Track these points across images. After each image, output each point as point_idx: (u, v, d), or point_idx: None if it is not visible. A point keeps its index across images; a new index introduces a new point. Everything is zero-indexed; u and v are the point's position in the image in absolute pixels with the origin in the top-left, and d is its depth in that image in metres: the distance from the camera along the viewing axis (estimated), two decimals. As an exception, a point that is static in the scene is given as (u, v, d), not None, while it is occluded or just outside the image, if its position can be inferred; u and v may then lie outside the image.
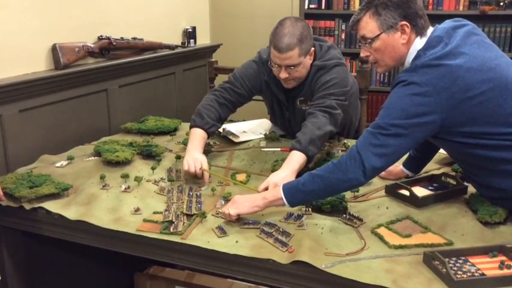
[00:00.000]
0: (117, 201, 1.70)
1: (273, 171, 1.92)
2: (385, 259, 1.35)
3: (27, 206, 1.67)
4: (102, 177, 1.81)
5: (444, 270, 1.26)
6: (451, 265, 1.29)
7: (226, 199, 1.68)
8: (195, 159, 1.86)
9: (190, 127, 2.05)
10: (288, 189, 1.51)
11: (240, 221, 1.55)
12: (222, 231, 1.49)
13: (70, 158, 2.02)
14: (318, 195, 1.53)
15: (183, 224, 1.54)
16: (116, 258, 1.99)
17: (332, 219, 1.56)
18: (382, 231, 1.50)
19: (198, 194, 1.75)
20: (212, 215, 1.61)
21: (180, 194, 1.75)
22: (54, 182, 1.76)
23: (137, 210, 1.63)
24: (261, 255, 1.38)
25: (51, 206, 1.67)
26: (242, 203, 1.53)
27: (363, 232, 1.49)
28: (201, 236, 1.48)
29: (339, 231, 1.49)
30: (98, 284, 2.41)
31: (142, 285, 2.45)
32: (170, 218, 1.56)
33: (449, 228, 1.51)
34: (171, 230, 1.50)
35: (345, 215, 1.57)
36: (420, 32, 1.53)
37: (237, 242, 1.44)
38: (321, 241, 1.43)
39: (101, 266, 2.34)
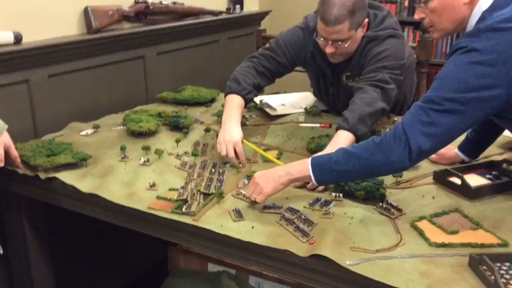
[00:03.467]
0: (133, 174, 1.58)
1: (307, 149, 1.74)
2: (423, 259, 1.15)
3: (43, 176, 1.59)
4: (123, 149, 1.70)
5: (493, 278, 1.04)
6: (502, 272, 1.07)
7: (250, 178, 1.51)
8: (229, 141, 1.66)
9: (226, 94, 1.88)
10: (317, 165, 1.32)
11: (259, 203, 1.38)
12: (238, 215, 1.33)
13: (96, 127, 1.93)
14: (352, 177, 1.33)
15: (198, 203, 1.39)
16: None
17: (365, 208, 1.36)
18: (423, 225, 1.29)
19: (221, 171, 1.60)
20: (232, 195, 1.45)
21: (202, 171, 1.60)
22: (73, 152, 1.67)
23: (153, 185, 1.51)
24: (278, 244, 1.21)
25: (66, 176, 1.58)
26: (265, 184, 1.36)
27: (400, 225, 1.29)
28: (215, 219, 1.33)
29: (371, 223, 1.29)
30: (131, 258, 2.35)
31: (175, 260, 2.36)
32: (185, 197, 1.42)
33: (505, 226, 1.27)
34: (184, 209, 1.36)
35: (381, 204, 1.36)
36: None
37: (253, 227, 1.28)
38: (348, 233, 1.24)
39: (134, 239, 2.26)
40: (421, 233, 1.25)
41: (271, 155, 1.71)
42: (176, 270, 2.30)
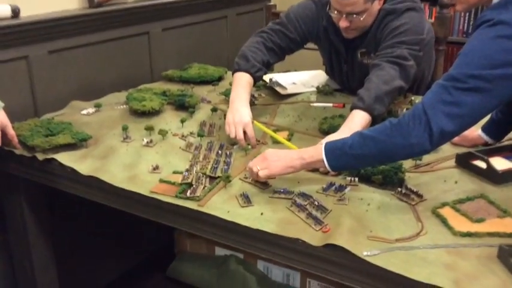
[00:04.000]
0: (136, 156, 1.49)
1: (320, 130, 1.64)
2: (447, 250, 1.06)
3: (40, 157, 1.50)
4: (125, 129, 1.61)
5: (526, 272, 0.95)
6: (535, 266, 0.98)
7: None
8: (238, 122, 1.57)
9: (234, 72, 1.78)
10: (331, 149, 1.22)
11: (268, 187, 1.29)
12: (246, 200, 1.24)
13: (98, 106, 1.84)
14: (368, 161, 1.23)
15: (203, 188, 1.30)
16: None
17: (382, 193, 1.26)
18: (446, 212, 1.19)
19: (228, 153, 1.50)
20: (240, 179, 1.36)
21: (208, 152, 1.51)
22: (73, 132, 1.58)
23: (156, 168, 1.42)
24: (288, 233, 1.12)
25: (64, 157, 1.49)
26: (274, 162, 1.27)
27: (421, 212, 1.19)
28: (222, 204, 1.24)
29: (389, 210, 1.20)
30: (136, 241, 2.28)
31: (182, 244, 2.29)
32: (189, 180, 1.33)
33: (536, 214, 1.17)
34: (188, 194, 1.27)
35: (400, 189, 1.27)
36: None
37: (262, 214, 1.19)
38: (365, 221, 1.15)
39: (139, 222, 2.19)
40: (444, 221, 1.15)
41: (281, 136, 1.62)
42: (183, 254, 2.24)
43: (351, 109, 1.55)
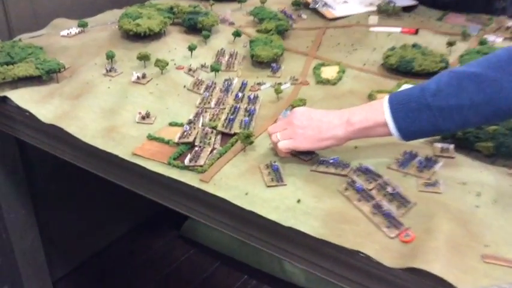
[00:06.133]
0: (120, 97, 1.05)
1: (385, 65, 1.16)
2: None
3: (-8, 94, 1.08)
4: (110, 57, 1.16)
5: None
6: None
7: (297, 110, 0.96)
8: None
9: None
10: (400, 103, 0.75)
11: (313, 156, 0.83)
12: (275, 176, 0.79)
13: (82, 25, 1.38)
14: (467, 118, 0.73)
15: (211, 152, 0.86)
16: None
17: (497, 173, 0.79)
18: None
19: (252, 96, 1.04)
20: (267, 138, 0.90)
21: (224, 95, 1.05)
22: (39, 60, 1.14)
23: (146, 116, 0.98)
24: (342, 238, 0.68)
25: (23, 96, 1.07)
26: (304, 130, 0.80)
27: None
28: (236, 180, 0.80)
29: (512, 204, 0.73)
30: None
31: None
32: (191, 139, 0.88)
33: None
34: (187, 161, 0.83)
35: (523, 166, 0.79)
36: None
37: (299, 201, 0.74)
38: (474, 225, 0.68)
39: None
40: None
41: (329, 72, 1.14)
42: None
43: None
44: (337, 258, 0.69)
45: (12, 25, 1.48)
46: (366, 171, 0.77)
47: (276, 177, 0.79)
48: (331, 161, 0.81)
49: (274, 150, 0.85)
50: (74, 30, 1.37)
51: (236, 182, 0.79)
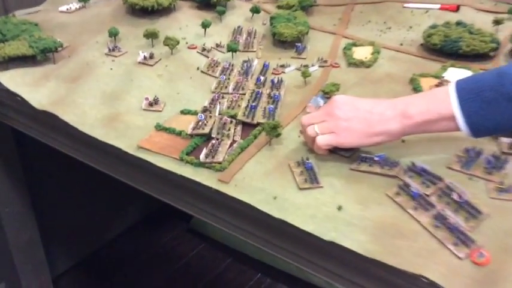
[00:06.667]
0: (124, 80, 0.91)
1: (425, 45, 1.01)
2: None
3: (-22, 76, 0.95)
4: (113, 34, 1.02)
5: None
6: None
7: (328, 96, 0.82)
8: None
9: None
10: (470, 93, 0.61)
11: (354, 152, 0.70)
12: (309, 176, 0.66)
13: (83, 0, 1.23)
14: None
15: (230, 146, 0.73)
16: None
17: None
18: None
19: (276, 80, 0.90)
20: (296, 130, 0.77)
21: (243, 78, 0.91)
22: (33, 38, 1.01)
23: (153, 103, 0.84)
24: (399, 258, 0.54)
25: (15, 78, 0.94)
26: (349, 121, 0.66)
27: None
28: (262, 181, 0.67)
29: None
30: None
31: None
32: (206, 130, 0.75)
33: None
34: (202, 158, 0.70)
35: None
36: None
37: (340, 209, 0.61)
38: None
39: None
40: None
41: (361, 54, 1.00)
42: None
43: None
44: (390, 282, 0.56)
45: (8, 1, 1.35)
46: (421, 172, 0.64)
47: (310, 178, 0.65)
48: (376, 158, 0.67)
49: (307, 144, 0.72)
50: (74, 5, 1.24)
51: (262, 183, 0.66)
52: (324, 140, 0.67)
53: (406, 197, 0.61)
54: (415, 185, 0.62)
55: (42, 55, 0.99)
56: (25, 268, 1.41)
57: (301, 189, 0.65)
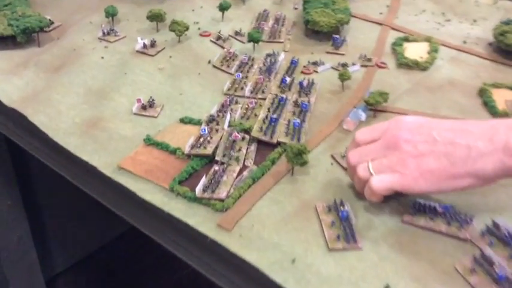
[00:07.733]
0: (115, 73, 0.73)
1: (493, 45, 0.81)
2: None
3: None
4: (110, 15, 0.84)
5: None
6: None
7: (372, 108, 0.63)
8: None
9: None
10: None
11: (398, 198, 0.50)
12: (344, 230, 0.47)
13: (85, -29, 1.05)
14: None
15: (238, 175, 0.54)
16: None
17: None
18: None
19: (305, 82, 0.71)
20: (331, 155, 0.58)
21: (265, 78, 0.72)
22: (16, 13, 0.83)
23: (147, 106, 0.66)
24: None
25: (-14, 64, 0.76)
26: (422, 158, 0.46)
27: None
28: (276, 231, 0.48)
29: None
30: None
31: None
32: (208, 150, 0.57)
33: None
34: (199, 192, 0.51)
35: None
36: None
37: (387, 287, 0.42)
38: None
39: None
40: None
41: (416, 50, 0.80)
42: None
43: None
44: None
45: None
46: (506, 238, 0.44)
47: (346, 233, 0.47)
48: (441, 209, 0.48)
49: (342, 174, 0.53)
50: (74, -23, 1.06)
51: (277, 235, 0.48)
52: (382, 183, 0.47)
53: (485, 276, 0.42)
54: (500, 260, 0.42)
55: (23, 36, 0.81)
56: (14, 273, 1.27)
57: (330, 250, 0.46)
